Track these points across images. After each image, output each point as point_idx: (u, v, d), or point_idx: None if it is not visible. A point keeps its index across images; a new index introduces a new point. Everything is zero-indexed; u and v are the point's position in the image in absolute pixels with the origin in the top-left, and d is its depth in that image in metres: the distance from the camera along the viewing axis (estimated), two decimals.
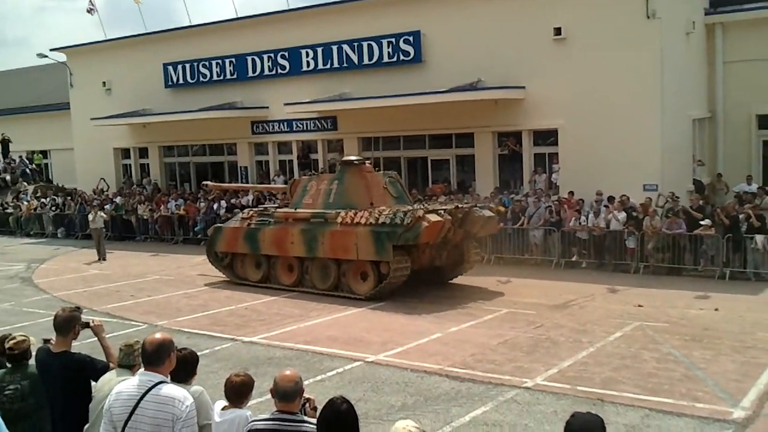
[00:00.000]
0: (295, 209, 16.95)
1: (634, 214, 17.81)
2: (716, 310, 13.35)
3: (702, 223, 16.61)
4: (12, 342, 5.80)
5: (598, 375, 9.78)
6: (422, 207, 15.50)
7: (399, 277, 14.94)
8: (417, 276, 15.57)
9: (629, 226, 17.52)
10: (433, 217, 14.57)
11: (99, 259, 22.57)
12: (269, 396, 4.73)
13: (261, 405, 8.30)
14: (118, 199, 28.13)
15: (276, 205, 19.38)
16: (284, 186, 19.93)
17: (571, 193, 19.19)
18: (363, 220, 15.18)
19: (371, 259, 15.16)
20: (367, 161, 17.51)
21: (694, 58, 21.61)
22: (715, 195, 20.73)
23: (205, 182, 24.07)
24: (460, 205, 15.68)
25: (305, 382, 4.76)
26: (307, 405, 4.84)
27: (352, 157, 17.49)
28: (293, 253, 16.51)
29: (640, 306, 13.80)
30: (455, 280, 16.88)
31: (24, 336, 5.92)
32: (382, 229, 14.81)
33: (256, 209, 18.54)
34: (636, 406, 8.62)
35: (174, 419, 4.51)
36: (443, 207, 15.49)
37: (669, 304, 13.92)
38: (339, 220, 15.57)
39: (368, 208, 15.54)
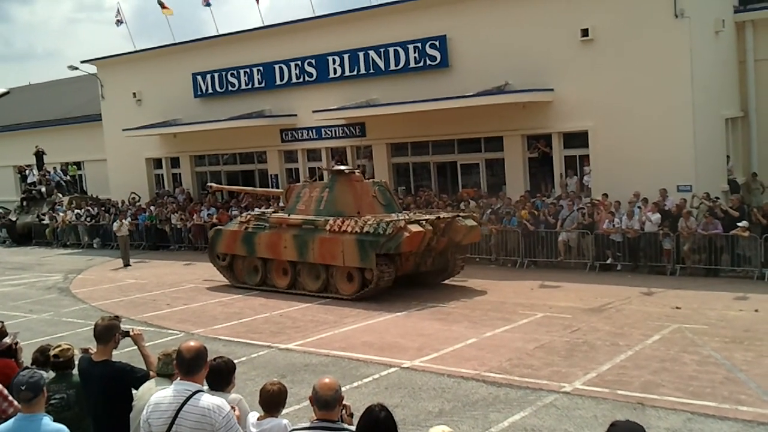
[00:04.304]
0: (289, 215, 17.62)
1: (666, 208, 17.63)
2: (756, 311, 13.11)
3: (739, 224, 16.36)
4: (57, 350, 5.88)
5: (637, 378, 9.66)
6: (405, 217, 16.00)
7: (382, 284, 15.57)
8: (404, 280, 16.34)
9: (664, 228, 17.31)
10: (414, 228, 15.20)
11: (124, 265, 23.53)
12: (307, 403, 4.72)
13: (299, 412, 8.34)
14: (151, 209, 28.45)
15: (272, 210, 19.94)
16: (281, 191, 20.66)
17: (605, 195, 19.01)
18: (349, 228, 15.88)
19: (356, 266, 15.86)
20: (356, 171, 18.21)
21: (725, 56, 21.35)
22: (750, 194, 20.42)
23: (209, 184, 25.37)
24: (442, 216, 16.36)
25: (342, 389, 4.74)
26: (344, 412, 4.82)
27: (343, 167, 18.30)
28: (286, 257, 17.26)
29: (677, 308, 13.62)
30: (490, 287, 16.91)
31: (68, 345, 6.00)
32: (366, 237, 15.51)
33: (253, 213, 19.34)
34: (678, 410, 8.49)
35: (214, 429, 4.51)
36: (426, 217, 16.08)
37: (707, 306, 13.72)
38: (327, 227, 16.29)
39: (355, 216, 16.20)
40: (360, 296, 15.85)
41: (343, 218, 16.22)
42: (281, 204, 23.92)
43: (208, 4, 29.89)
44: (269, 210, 20.06)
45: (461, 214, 17.20)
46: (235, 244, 18.34)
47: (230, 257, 18.78)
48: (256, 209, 23.39)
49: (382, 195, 17.41)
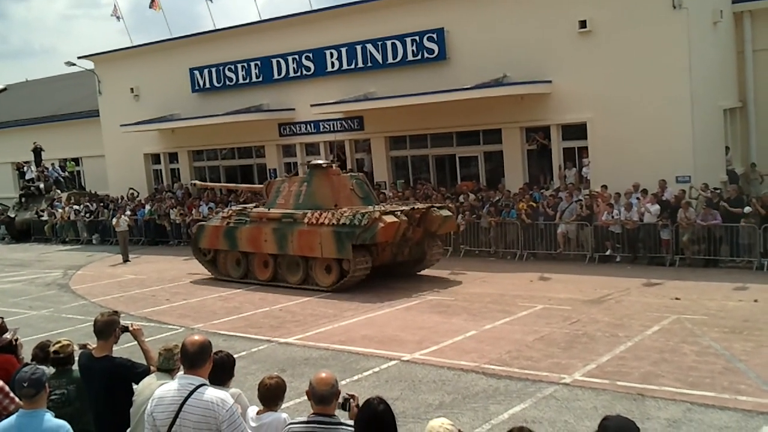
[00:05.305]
0: (269, 209, 18.07)
1: (665, 199, 17.64)
2: (755, 301, 13.12)
3: (746, 211, 16.42)
4: (58, 346, 5.90)
5: (637, 369, 9.67)
6: (381, 209, 16.32)
7: (359, 274, 16.00)
8: (382, 271, 16.68)
9: (663, 219, 17.31)
10: (389, 218, 15.54)
11: (123, 261, 23.57)
12: (306, 397, 4.72)
13: (299, 406, 8.33)
14: (149, 205, 28.43)
15: (254, 205, 20.21)
16: (261, 186, 21.05)
17: (604, 186, 19.01)
18: (326, 221, 16.29)
19: (334, 257, 16.22)
20: (334, 164, 18.67)
21: (723, 47, 21.33)
22: (749, 185, 20.42)
23: (193, 181, 26.30)
24: (417, 206, 16.78)
25: (342, 383, 4.76)
26: (351, 402, 4.82)
27: (320, 161, 18.77)
28: (267, 251, 17.67)
29: (677, 299, 13.62)
30: (490, 279, 16.94)
31: (68, 340, 6.01)
32: (342, 229, 15.91)
33: (235, 208, 19.71)
34: (677, 400, 8.50)
35: (218, 423, 4.52)
36: (401, 208, 16.42)
37: (707, 297, 13.73)
38: (306, 220, 16.70)
39: (332, 209, 16.55)
40: (338, 287, 16.17)
41: (321, 211, 16.57)
42: None
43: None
44: (251, 204, 20.33)
45: (436, 204, 17.62)
46: (217, 239, 18.72)
47: (213, 252, 19.12)
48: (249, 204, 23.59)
49: (359, 188, 17.80)
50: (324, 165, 18.06)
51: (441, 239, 17.92)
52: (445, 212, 16.95)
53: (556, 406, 8.60)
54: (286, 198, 17.89)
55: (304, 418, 4.62)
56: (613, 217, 18.03)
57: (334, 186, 17.36)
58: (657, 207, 17.58)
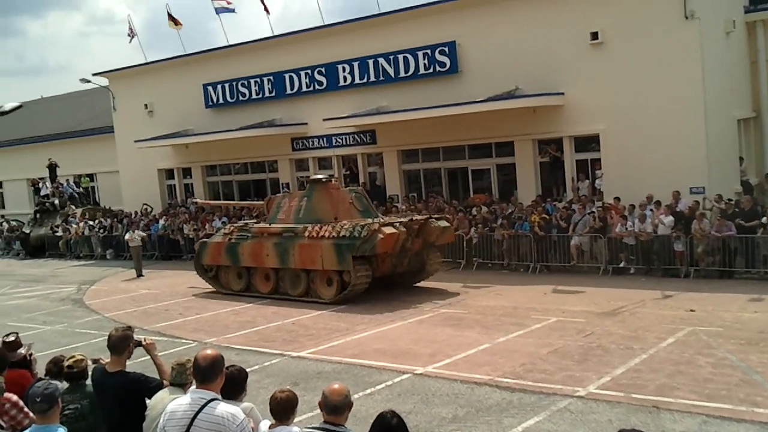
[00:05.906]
0: (270, 224, 18.34)
1: (678, 210, 17.56)
2: None
3: (764, 221, 16.34)
4: (72, 360, 5.92)
5: (652, 382, 9.59)
6: (380, 221, 16.61)
7: (360, 285, 16.16)
8: (382, 282, 16.92)
9: (677, 230, 17.21)
10: (388, 230, 15.87)
11: (137, 276, 23.72)
12: (319, 409, 4.73)
13: (312, 420, 8.31)
14: (162, 220, 28.57)
15: (255, 221, 20.44)
16: (262, 203, 21.32)
17: (618, 198, 18.93)
18: (327, 234, 16.55)
19: (335, 269, 16.44)
20: (333, 179, 19.13)
21: (736, 57, 21.26)
22: (764, 195, 20.29)
23: (193, 199, 26.62)
24: (415, 218, 17.13)
25: (355, 396, 4.76)
26: None
27: (320, 176, 18.95)
28: (268, 264, 17.90)
29: (692, 311, 13.51)
30: (503, 292, 16.89)
31: (82, 355, 6.04)
32: (342, 241, 16.17)
33: (236, 225, 20.00)
34: (693, 413, 8.42)
35: None
36: (400, 220, 16.73)
37: (722, 308, 13.62)
38: (306, 234, 16.97)
39: (332, 222, 16.79)
40: (339, 299, 16.37)
41: (321, 224, 16.80)
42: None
43: (232, 10, 30.06)
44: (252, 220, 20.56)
45: (434, 215, 17.89)
46: (219, 255, 18.93)
47: (215, 268, 19.35)
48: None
49: (358, 201, 18.07)
50: (324, 180, 18.34)
51: (440, 250, 18.16)
52: (443, 223, 17.19)
53: (570, 419, 8.53)
54: (287, 213, 18.14)
55: (316, 425, 4.66)
56: (626, 228, 17.94)
57: (334, 200, 17.64)
58: (671, 218, 17.49)
